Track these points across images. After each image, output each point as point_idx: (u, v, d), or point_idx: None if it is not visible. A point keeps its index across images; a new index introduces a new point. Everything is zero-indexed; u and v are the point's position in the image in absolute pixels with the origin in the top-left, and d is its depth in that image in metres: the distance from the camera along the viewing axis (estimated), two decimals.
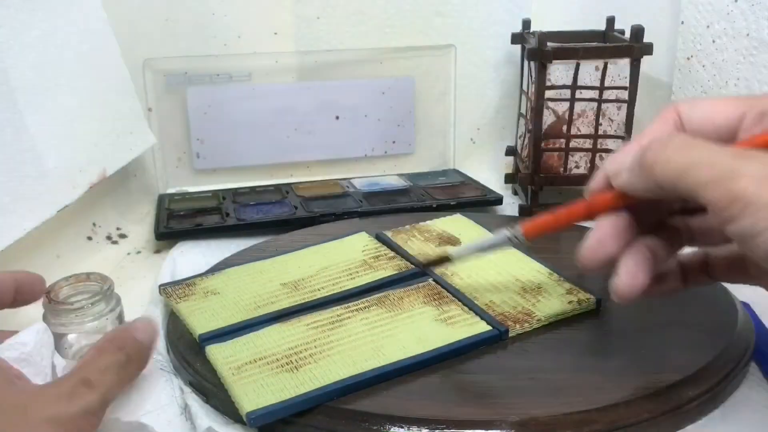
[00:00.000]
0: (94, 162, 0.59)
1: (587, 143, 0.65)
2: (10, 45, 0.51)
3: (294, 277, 0.49)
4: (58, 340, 0.40)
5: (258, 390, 0.37)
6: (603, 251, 0.32)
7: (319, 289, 0.47)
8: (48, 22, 0.55)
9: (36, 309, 0.52)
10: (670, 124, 0.33)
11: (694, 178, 0.28)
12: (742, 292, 0.47)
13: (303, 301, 0.45)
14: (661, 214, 0.35)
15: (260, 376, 0.38)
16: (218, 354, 0.40)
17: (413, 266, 0.49)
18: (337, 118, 0.76)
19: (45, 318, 0.40)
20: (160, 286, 0.49)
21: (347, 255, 0.52)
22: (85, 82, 0.59)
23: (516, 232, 0.36)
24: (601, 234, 0.32)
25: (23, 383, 0.33)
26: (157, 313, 0.48)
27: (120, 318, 0.42)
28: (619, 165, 0.32)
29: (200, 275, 0.50)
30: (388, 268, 0.49)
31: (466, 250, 0.41)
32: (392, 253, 0.52)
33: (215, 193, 0.72)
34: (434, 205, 0.67)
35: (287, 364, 0.39)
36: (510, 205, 0.70)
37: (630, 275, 0.32)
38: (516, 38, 0.71)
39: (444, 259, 0.42)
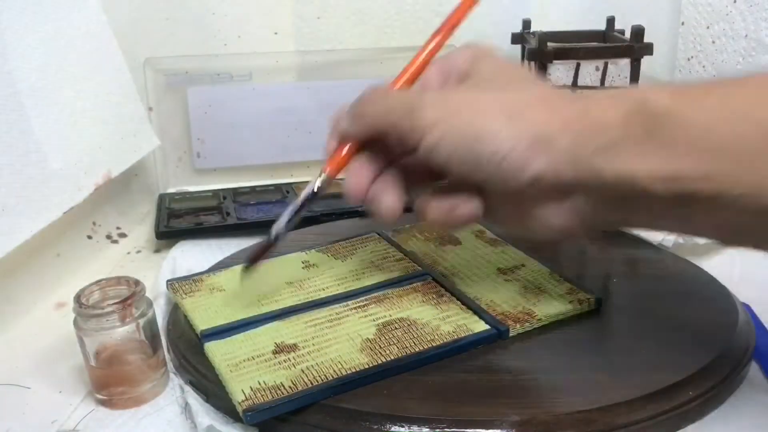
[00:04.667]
0: (98, 164, 0.59)
1: None
2: (15, 47, 0.51)
3: (300, 277, 0.49)
4: (87, 345, 0.40)
5: (255, 387, 0.37)
6: (359, 187, 0.38)
7: (323, 289, 0.47)
8: (51, 24, 0.55)
9: (44, 312, 0.52)
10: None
11: (391, 118, 0.36)
12: (742, 293, 0.47)
13: (306, 300, 0.45)
14: (393, 153, 0.39)
15: (257, 373, 0.38)
16: (216, 351, 0.40)
17: (420, 268, 0.49)
18: None
19: (75, 323, 0.40)
20: (167, 281, 0.49)
21: (355, 255, 0.52)
22: (89, 84, 0.59)
23: (322, 178, 0.40)
24: (354, 177, 0.38)
25: None
26: (158, 311, 0.48)
27: (151, 323, 0.41)
28: (338, 114, 0.40)
29: (207, 271, 0.50)
30: (394, 270, 0.49)
31: (282, 220, 0.41)
32: (400, 255, 0.51)
33: (215, 192, 0.72)
34: None
35: (285, 361, 0.39)
36: None
37: (386, 200, 0.38)
38: (516, 38, 0.71)
39: (268, 246, 0.41)
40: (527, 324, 0.42)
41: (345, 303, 0.45)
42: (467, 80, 0.38)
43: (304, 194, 0.40)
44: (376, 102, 0.38)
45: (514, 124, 0.33)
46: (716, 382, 0.38)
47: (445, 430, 0.35)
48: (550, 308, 0.44)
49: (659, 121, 0.30)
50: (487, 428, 0.35)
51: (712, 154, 0.29)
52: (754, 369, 0.41)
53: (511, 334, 0.42)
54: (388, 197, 0.38)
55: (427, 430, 0.35)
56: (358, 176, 0.38)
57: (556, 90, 0.36)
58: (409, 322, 0.42)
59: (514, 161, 0.33)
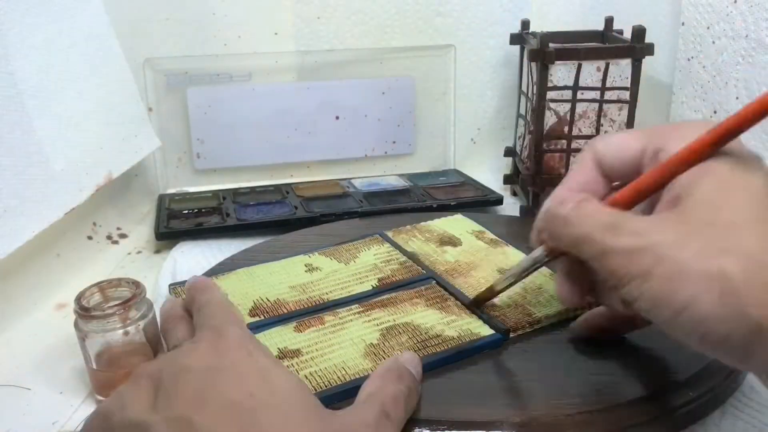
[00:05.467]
0: (99, 164, 0.59)
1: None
2: (17, 48, 0.51)
3: (303, 280, 0.49)
4: (88, 347, 0.40)
5: None
6: (570, 298, 0.36)
7: (327, 293, 0.47)
8: (53, 25, 0.55)
9: (44, 313, 0.52)
10: (589, 166, 0.36)
11: (583, 253, 0.32)
12: None
13: (309, 306, 0.45)
14: None
15: None
16: None
17: (423, 271, 0.49)
18: (337, 118, 0.76)
19: (76, 325, 0.40)
20: (170, 285, 0.49)
21: (358, 259, 0.52)
22: (90, 85, 0.59)
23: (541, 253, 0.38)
24: (560, 285, 0.37)
25: (325, 411, 0.31)
26: (158, 312, 0.48)
27: (153, 324, 0.42)
28: (541, 220, 0.36)
29: (209, 275, 0.50)
30: (397, 273, 0.49)
31: (508, 280, 0.41)
32: (403, 258, 0.51)
33: (215, 193, 0.73)
34: (434, 205, 0.67)
35: (288, 367, 0.39)
36: (510, 206, 0.70)
37: (562, 291, 0.36)
38: (515, 39, 0.71)
39: (490, 295, 0.43)
40: (527, 325, 0.42)
41: (348, 307, 0.45)
42: (679, 204, 0.30)
43: (528, 261, 0.39)
44: (562, 225, 0.33)
45: (728, 309, 0.27)
46: (716, 383, 0.38)
47: (446, 431, 0.35)
48: (550, 309, 0.44)
49: None
50: (488, 430, 0.34)
51: None
52: None
53: (511, 336, 0.42)
54: (563, 289, 0.36)
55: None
56: (567, 291, 0.36)
57: None
58: (413, 327, 0.42)
59: (733, 348, 0.27)
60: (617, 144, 0.35)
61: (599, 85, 0.63)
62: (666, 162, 0.31)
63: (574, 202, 0.33)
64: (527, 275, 0.40)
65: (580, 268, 0.35)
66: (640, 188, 0.33)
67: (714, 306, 0.27)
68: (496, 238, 0.54)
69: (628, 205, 0.33)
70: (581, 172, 0.36)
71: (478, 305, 0.44)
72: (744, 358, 0.28)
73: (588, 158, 0.36)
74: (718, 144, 0.30)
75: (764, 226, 0.28)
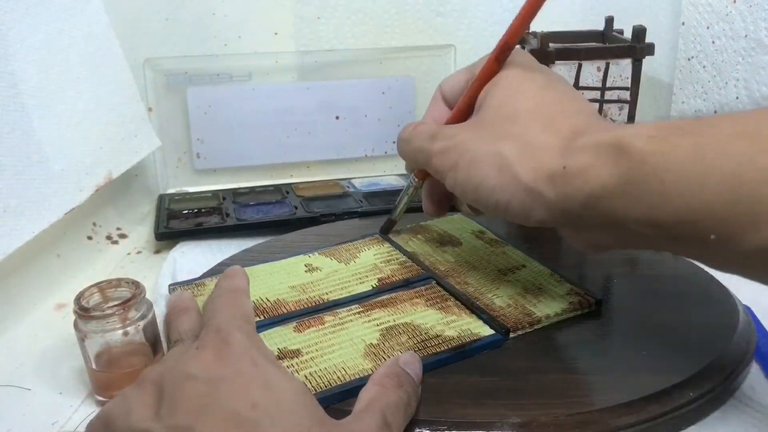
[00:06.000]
0: (99, 165, 0.59)
1: None
2: (17, 48, 0.51)
3: (303, 280, 0.49)
4: (87, 348, 0.40)
5: None
6: (432, 211, 0.48)
7: (327, 293, 0.47)
8: (53, 25, 0.55)
9: (44, 314, 0.52)
10: (438, 101, 0.45)
11: (419, 162, 0.43)
12: (742, 293, 0.47)
13: (309, 306, 0.45)
14: None
15: None
16: None
17: (423, 271, 0.49)
18: (337, 118, 0.76)
19: (75, 325, 0.40)
20: (170, 285, 0.49)
21: (358, 259, 0.52)
22: (90, 85, 0.59)
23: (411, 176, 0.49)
24: (424, 202, 0.48)
25: (329, 421, 0.31)
26: (158, 313, 0.48)
27: (152, 325, 0.41)
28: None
29: (211, 276, 0.50)
30: (397, 273, 0.49)
31: (399, 207, 0.53)
32: (403, 257, 0.51)
33: (215, 193, 0.72)
34: None
35: (288, 367, 0.39)
36: None
37: (425, 204, 0.48)
38: None
39: (391, 224, 0.55)
40: (527, 325, 0.42)
41: (348, 308, 0.45)
42: (479, 111, 0.39)
43: (406, 186, 0.50)
44: (404, 144, 0.44)
45: (506, 179, 0.35)
46: (716, 384, 0.38)
47: None
48: (550, 309, 0.44)
49: (636, 169, 0.31)
50: (488, 430, 0.35)
51: (685, 203, 0.29)
52: (755, 370, 0.41)
53: (511, 336, 0.42)
54: (427, 205, 0.47)
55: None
56: (426, 203, 0.48)
57: (548, 127, 0.36)
58: (412, 327, 0.42)
59: (515, 211, 0.36)
60: (453, 80, 0.44)
61: (599, 85, 0.63)
62: (471, 84, 0.41)
63: (413, 126, 0.43)
64: (410, 198, 0.51)
65: (438, 187, 0.44)
66: (459, 108, 0.42)
67: (496, 178, 0.36)
68: (496, 238, 0.54)
69: (456, 123, 0.41)
70: (433, 107, 0.45)
71: (385, 233, 0.55)
72: (527, 218, 0.36)
73: (437, 96, 0.45)
74: (498, 60, 0.39)
75: (535, 114, 0.37)
